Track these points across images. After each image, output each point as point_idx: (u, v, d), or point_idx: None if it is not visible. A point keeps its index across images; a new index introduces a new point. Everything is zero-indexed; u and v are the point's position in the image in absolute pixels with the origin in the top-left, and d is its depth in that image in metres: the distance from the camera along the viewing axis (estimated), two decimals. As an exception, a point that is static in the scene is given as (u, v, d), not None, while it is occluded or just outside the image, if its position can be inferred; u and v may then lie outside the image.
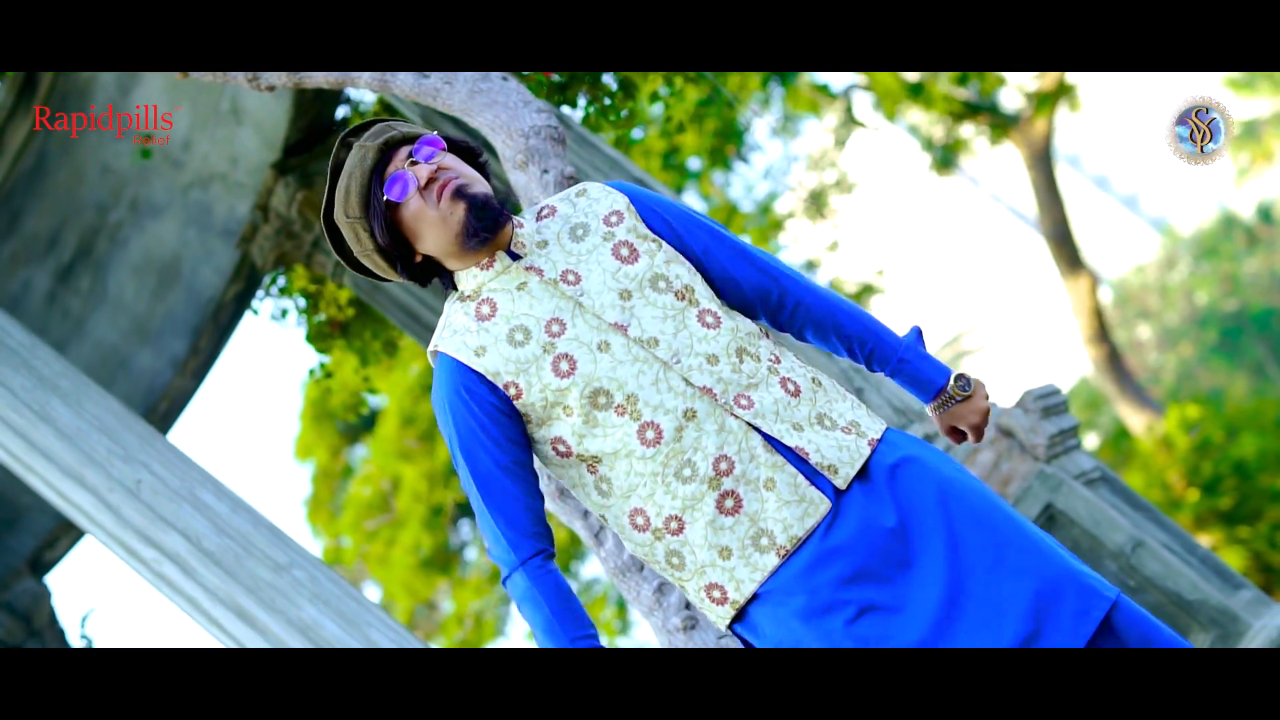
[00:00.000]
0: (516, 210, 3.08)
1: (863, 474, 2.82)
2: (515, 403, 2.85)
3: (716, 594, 2.82)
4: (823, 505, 2.77)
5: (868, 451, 2.83)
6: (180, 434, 8.52)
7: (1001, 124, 16.05)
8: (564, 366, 2.81)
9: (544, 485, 4.32)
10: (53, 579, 7.70)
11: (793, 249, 17.34)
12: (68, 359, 6.25)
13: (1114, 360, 16.65)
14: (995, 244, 34.99)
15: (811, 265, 16.49)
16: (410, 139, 2.97)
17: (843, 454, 2.81)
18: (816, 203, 17.16)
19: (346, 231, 2.96)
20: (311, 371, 7.31)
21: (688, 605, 4.08)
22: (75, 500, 5.50)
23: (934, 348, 31.92)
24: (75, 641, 7.35)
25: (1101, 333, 16.43)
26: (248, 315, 7.69)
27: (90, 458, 5.48)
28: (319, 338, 7.21)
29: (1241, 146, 29.02)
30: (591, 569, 17.18)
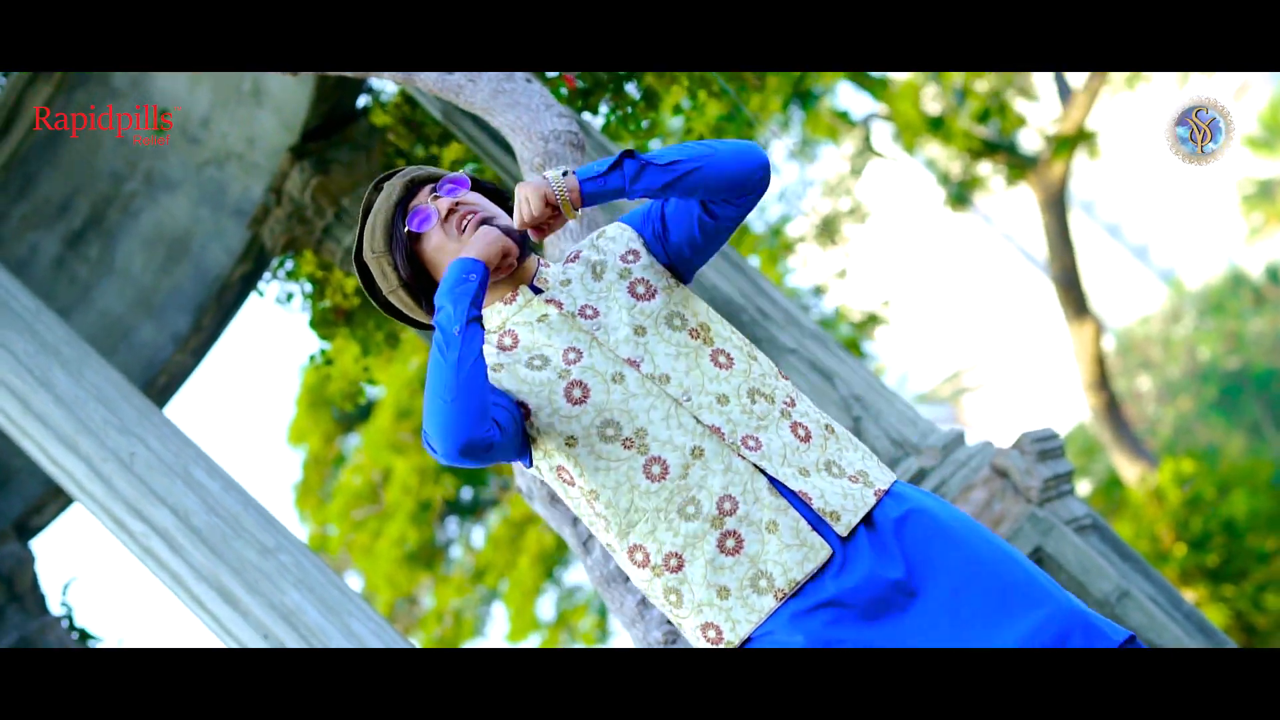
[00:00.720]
0: (538, 250, 3.09)
1: (870, 525, 2.80)
2: (525, 421, 2.84)
3: (712, 634, 2.80)
4: (823, 551, 2.76)
5: (873, 501, 2.81)
6: (177, 409, 8.52)
7: (1019, 164, 16.06)
8: (577, 394, 2.82)
9: (536, 491, 4.32)
10: (38, 544, 7.70)
11: (801, 273, 17.35)
12: (71, 326, 6.25)
13: (1112, 409, 16.66)
14: (1003, 284, 35.00)
15: (819, 291, 16.50)
16: (435, 179, 3.02)
17: (847, 501, 2.80)
18: (828, 229, 17.18)
19: (374, 268, 3.00)
20: (312, 357, 7.31)
21: (669, 620, 4.07)
22: (67, 467, 5.50)
23: (935, 382, 31.91)
24: (55, 609, 7.34)
25: (1102, 380, 16.44)
26: (253, 296, 7.69)
27: (86, 426, 5.48)
28: (322, 324, 7.21)
29: (1255, 206, 29.04)
30: (575, 575, 17.17)
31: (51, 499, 7.60)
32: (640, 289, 2.92)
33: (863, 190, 17.65)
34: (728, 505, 2.77)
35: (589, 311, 2.90)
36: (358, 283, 7.22)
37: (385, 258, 2.97)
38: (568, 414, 2.82)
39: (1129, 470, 16.22)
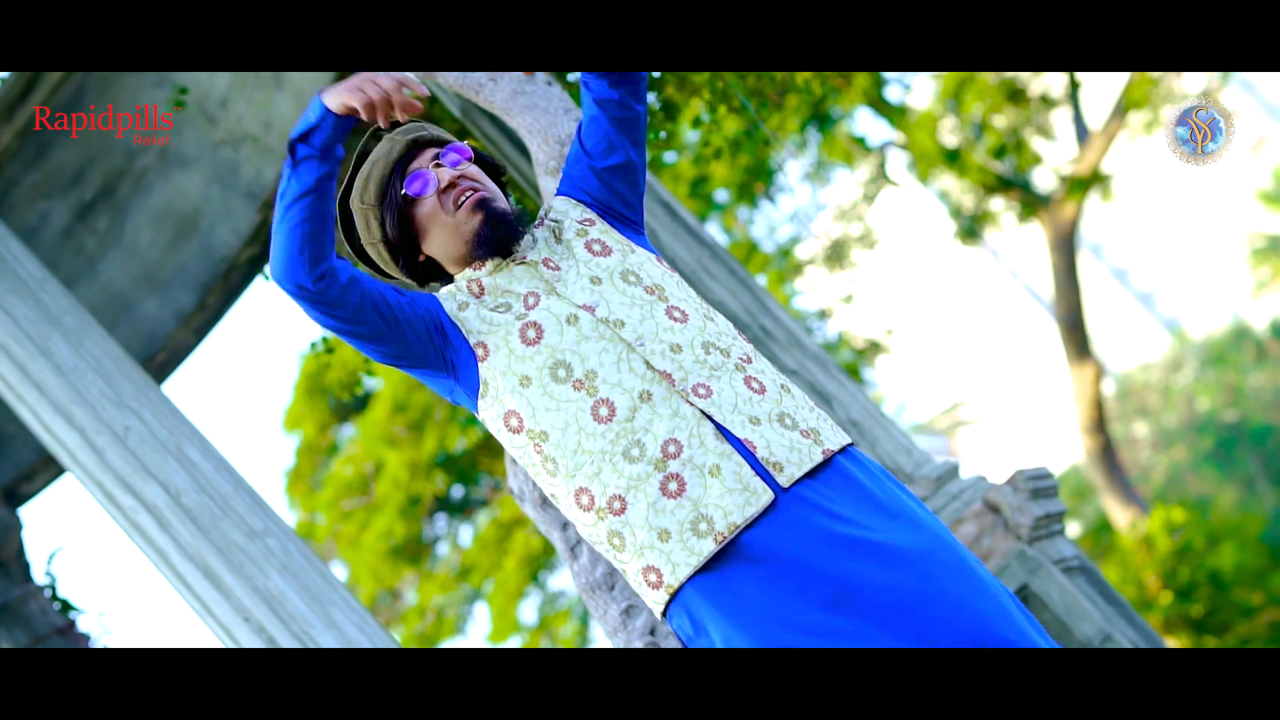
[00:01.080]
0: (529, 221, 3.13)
1: (823, 481, 2.80)
2: (479, 364, 2.90)
3: (653, 577, 2.81)
4: (765, 496, 2.76)
5: (819, 459, 2.82)
6: (175, 387, 8.52)
7: (1032, 202, 16.07)
8: (531, 334, 2.88)
9: (527, 493, 4.32)
10: (26, 512, 7.68)
11: (808, 295, 17.35)
12: (75, 296, 6.24)
13: (1107, 453, 16.65)
14: (1007, 320, 35.02)
15: (824, 314, 16.49)
16: (439, 142, 3.08)
17: (792, 454, 2.80)
18: (837, 253, 17.18)
19: (359, 217, 3.04)
20: (313, 345, 7.31)
21: (653, 631, 4.07)
22: (61, 437, 5.50)
23: (932, 413, 31.90)
24: (39, 578, 7.33)
25: (1099, 424, 16.43)
26: (259, 279, 7.68)
27: (83, 397, 5.48)
28: (325, 312, 7.20)
29: (1263, 260, 29.07)
30: (560, 581, 17.16)
31: (43, 468, 7.59)
32: (596, 248, 3.01)
33: (874, 217, 17.65)
34: (672, 449, 2.79)
35: (551, 264, 2.98)
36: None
37: (374, 211, 3.01)
38: (522, 354, 2.87)
39: (1120, 515, 16.21)
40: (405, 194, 3.00)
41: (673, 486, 2.78)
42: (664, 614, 2.86)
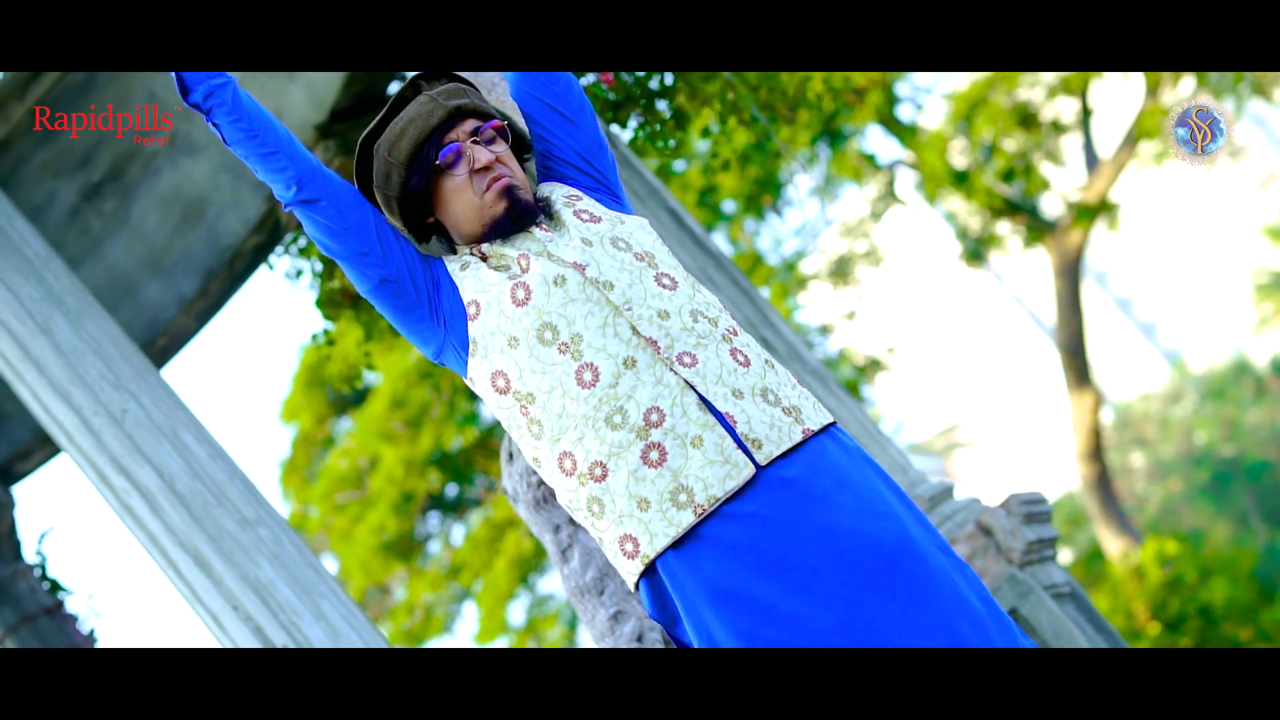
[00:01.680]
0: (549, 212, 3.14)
1: (800, 461, 2.79)
2: (470, 323, 2.92)
3: (629, 546, 2.81)
4: (745, 470, 2.75)
5: (798, 438, 2.81)
6: (174, 372, 8.52)
7: (1038, 227, 16.08)
8: (520, 295, 2.89)
9: (521, 494, 4.32)
10: (20, 490, 7.68)
11: (810, 310, 17.36)
12: (79, 277, 6.24)
13: (1103, 481, 16.65)
14: (1008, 344, 35.04)
15: (825, 330, 16.51)
16: (480, 114, 3.07)
17: (772, 432, 2.80)
18: (842, 269, 17.18)
19: (380, 166, 3.05)
20: (314, 336, 7.30)
21: (640, 638, 4.07)
22: (58, 417, 5.49)
23: (929, 434, 31.92)
24: (30, 557, 7.33)
25: (1096, 452, 16.43)
26: (263, 269, 7.68)
27: (81, 378, 5.48)
28: (329, 304, 7.20)
29: (1266, 296, 29.09)
30: (549, 584, 17.16)
31: (39, 446, 7.59)
32: (585, 216, 3.03)
33: (880, 235, 17.66)
34: (654, 417, 2.79)
35: (545, 227, 3.01)
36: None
37: (400, 169, 3.02)
38: (511, 315, 2.88)
39: (1113, 544, 16.21)
40: (438, 164, 3.01)
41: (654, 455, 2.77)
42: (635, 585, 2.85)
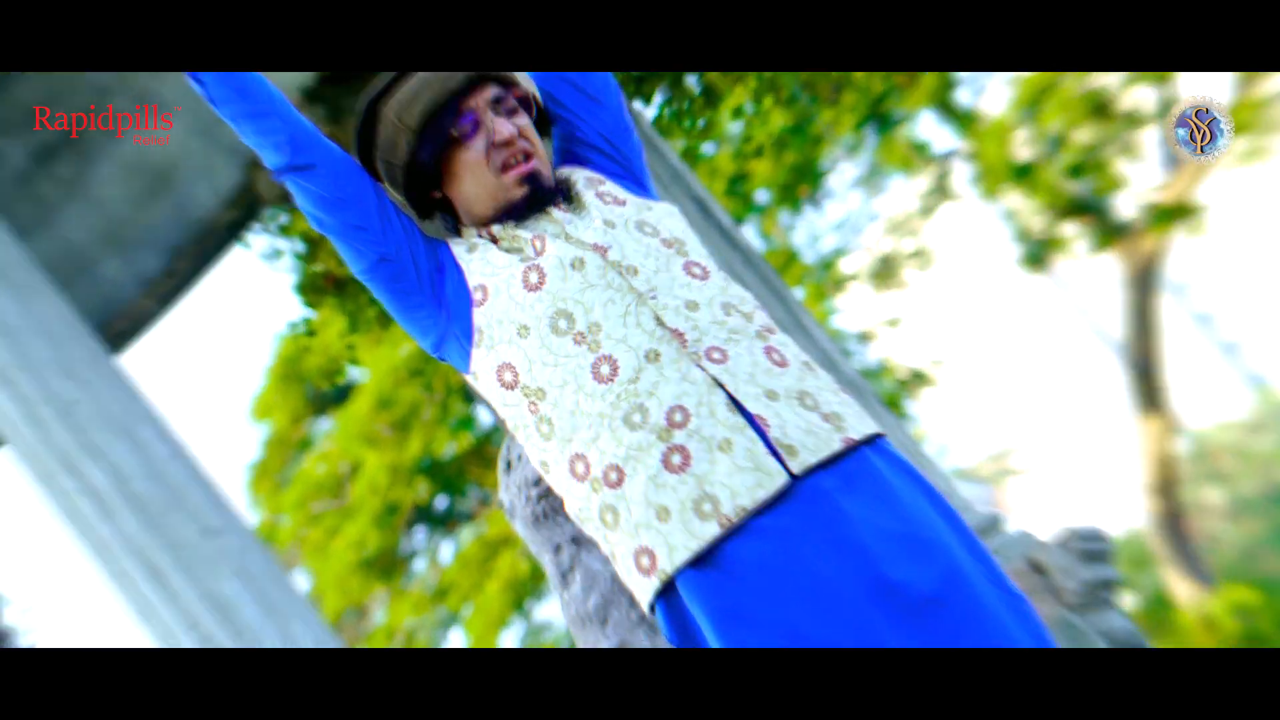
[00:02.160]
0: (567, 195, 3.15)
1: (840, 473, 2.76)
2: (475, 309, 2.91)
3: (645, 561, 2.77)
4: (779, 478, 2.71)
5: (838, 447, 2.77)
6: (132, 359, 8.53)
7: (1109, 230, 16.05)
8: (533, 279, 2.88)
9: (519, 509, 4.31)
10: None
11: (848, 314, 17.34)
12: (27, 249, 6.25)
13: (1174, 519, 16.62)
14: (1070, 361, 34.97)
15: (865, 338, 16.48)
16: (503, 82, 3.06)
17: (808, 439, 2.76)
18: (886, 270, 17.16)
19: (386, 130, 3.04)
20: (293, 325, 7.32)
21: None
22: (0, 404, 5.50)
23: (978, 459, 31.88)
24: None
25: (1167, 486, 16.41)
26: (237, 247, 7.69)
27: (27, 362, 5.48)
28: (310, 290, 7.21)
29: (1365, 318, 29.01)
30: (547, 611, 17.17)
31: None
32: (609, 198, 3.02)
33: (930, 233, 17.63)
34: (678, 417, 2.75)
35: (563, 206, 3.00)
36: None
37: (409, 136, 3.01)
38: (522, 300, 2.86)
39: (1182, 590, 16.18)
40: (453, 133, 3.01)
41: (676, 460, 2.73)
42: (651, 606, 2.81)
